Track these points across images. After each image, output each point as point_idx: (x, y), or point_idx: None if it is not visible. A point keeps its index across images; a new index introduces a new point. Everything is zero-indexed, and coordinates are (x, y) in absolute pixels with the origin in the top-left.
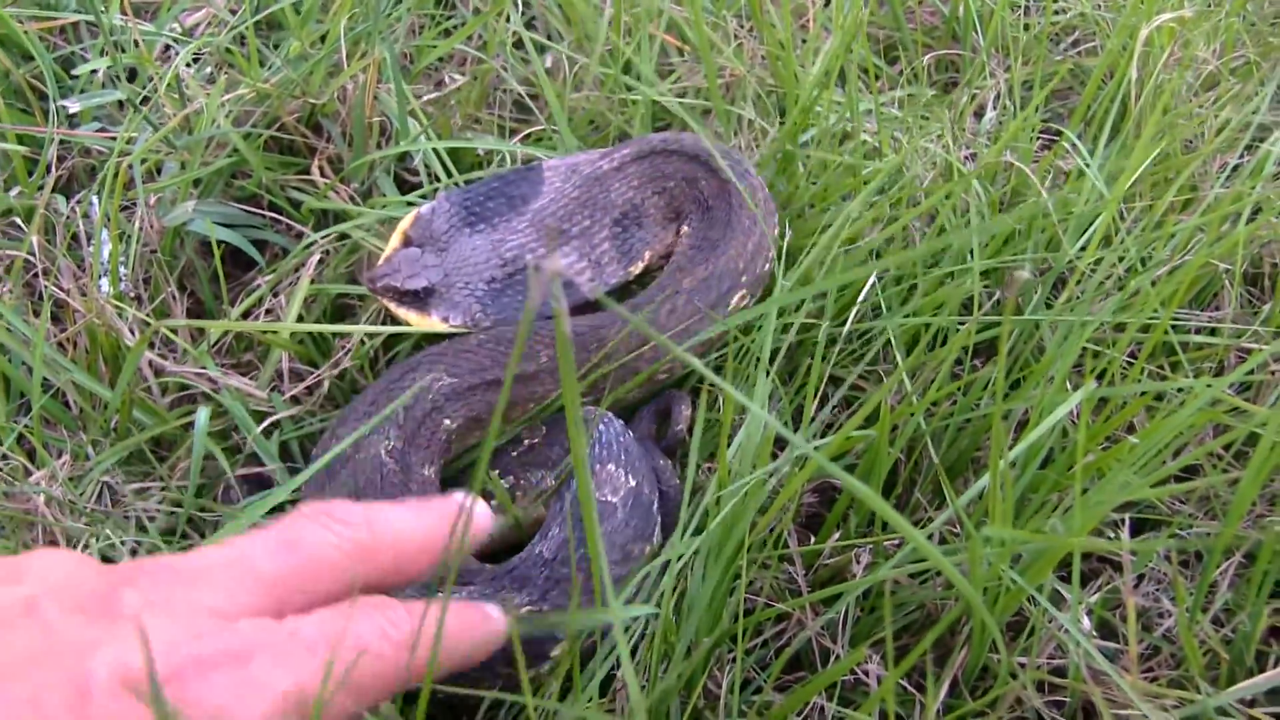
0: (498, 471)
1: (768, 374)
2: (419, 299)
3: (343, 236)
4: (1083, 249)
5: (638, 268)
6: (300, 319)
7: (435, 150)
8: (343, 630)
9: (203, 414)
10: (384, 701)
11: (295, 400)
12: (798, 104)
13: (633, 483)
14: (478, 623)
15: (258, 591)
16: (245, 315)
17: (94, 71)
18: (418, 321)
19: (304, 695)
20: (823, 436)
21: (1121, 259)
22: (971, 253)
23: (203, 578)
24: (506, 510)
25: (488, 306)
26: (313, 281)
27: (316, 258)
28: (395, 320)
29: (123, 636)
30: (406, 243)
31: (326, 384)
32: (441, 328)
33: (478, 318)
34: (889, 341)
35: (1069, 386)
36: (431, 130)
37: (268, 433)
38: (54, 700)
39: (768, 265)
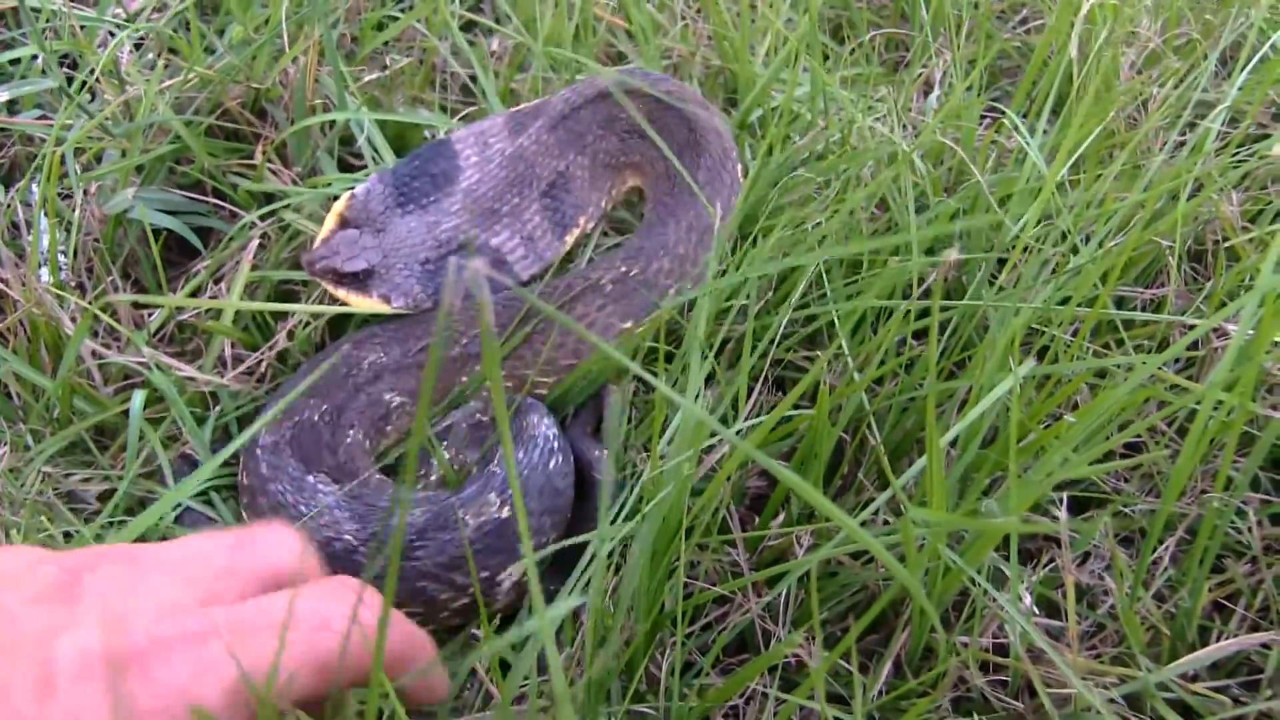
0: (445, 443)
1: (704, 355)
2: (359, 280)
3: (285, 222)
4: (1022, 228)
5: (573, 236)
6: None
7: (377, 128)
8: (309, 609)
9: (138, 398)
10: (353, 685)
11: (237, 383)
12: (752, 85)
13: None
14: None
15: (214, 582)
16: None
17: (35, 57)
18: (358, 303)
19: (264, 673)
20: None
21: (1065, 236)
22: (912, 238)
23: (161, 566)
24: (447, 477)
25: (426, 287)
26: (254, 268)
27: (256, 242)
28: (336, 302)
29: (85, 622)
30: (343, 224)
31: (265, 365)
32: (383, 309)
33: (419, 298)
34: (833, 323)
35: (1012, 365)
36: (368, 108)
37: (205, 417)
38: (20, 689)
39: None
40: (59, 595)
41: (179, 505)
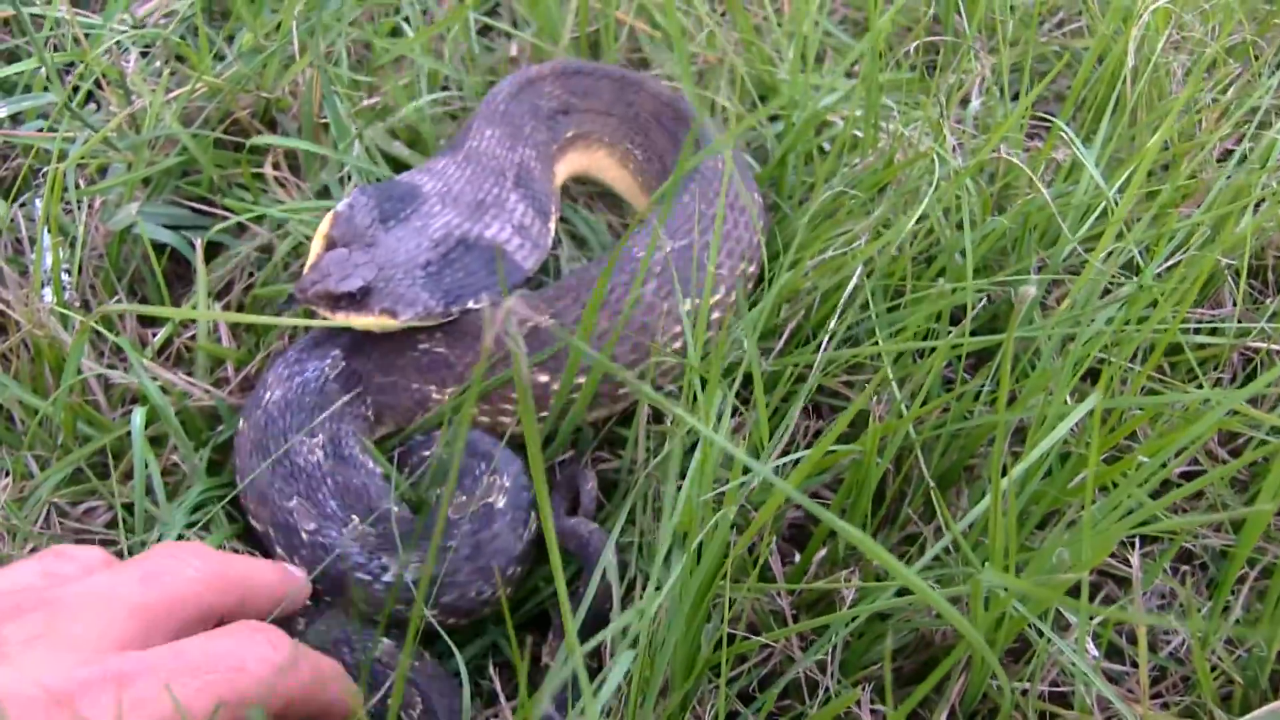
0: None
1: (725, 393)
2: (356, 300)
3: (284, 233)
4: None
5: (554, 223)
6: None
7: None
8: (224, 650)
9: (138, 416)
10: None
11: (236, 398)
12: (790, 98)
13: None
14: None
15: (129, 620)
16: (184, 324)
17: (38, 69)
18: (361, 323)
19: (185, 712)
20: (808, 448)
21: (1113, 255)
22: (963, 253)
23: (78, 609)
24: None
25: (434, 293)
26: (248, 289)
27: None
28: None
29: (14, 665)
30: (330, 246)
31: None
32: (391, 324)
33: (430, 306)
34: (875, 346)
35: (1067, 397)
36: (368, 134)
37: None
38: None
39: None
40: None
41: None
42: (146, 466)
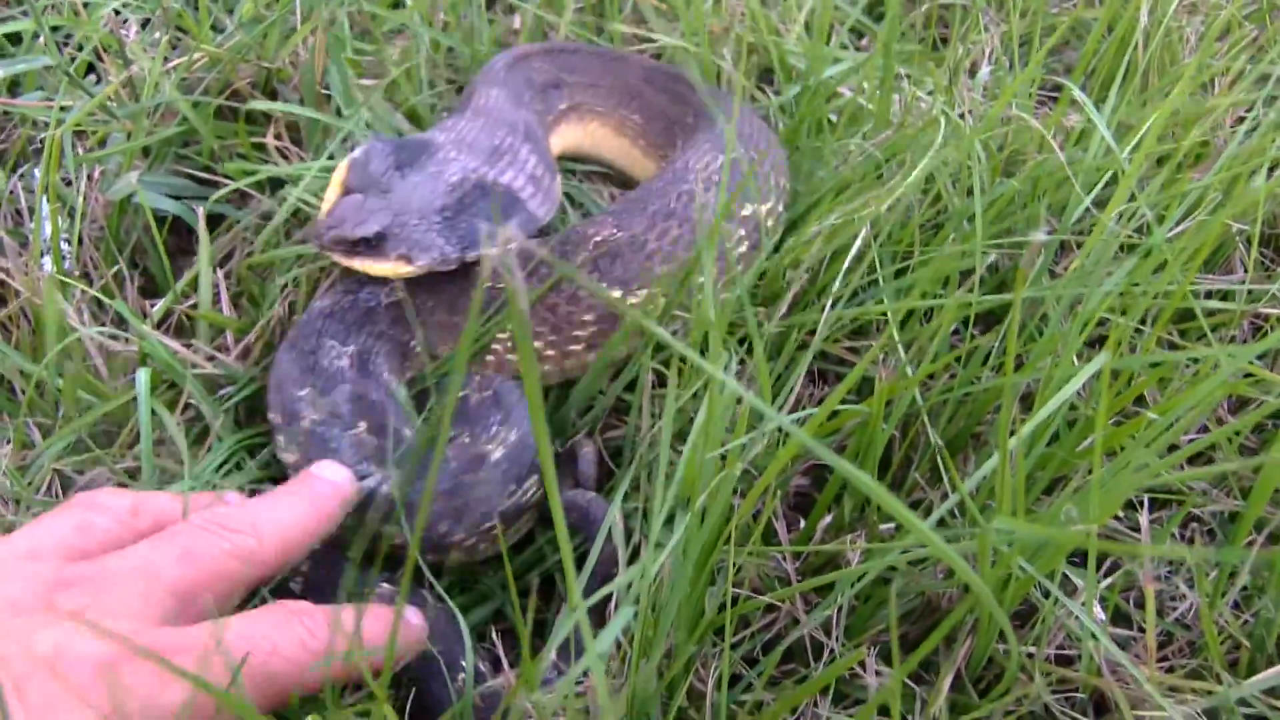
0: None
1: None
2: (373, 246)
3: (281, 198)
4: (1089, 210)
5: (559, 180)
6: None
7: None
8: (259, 633)
9: (143, 375)
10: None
11: (238, 364)
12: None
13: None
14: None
15: (167, 597)
16: (184, 294)
17: (36, 36)
18: (377, 269)
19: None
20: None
21: (1132, 217)
22: (971, 218)
23: (118, 584)
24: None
25: (449, 238)
26: (249, 255)
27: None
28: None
29: (65, 629)
30: (346, 192)
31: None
32: (407, 270)
33: (445, 251)
34: (884, 313)
35: (1075, 359)
36: (373, 106)
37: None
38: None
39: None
40: (37, 607)
41: None
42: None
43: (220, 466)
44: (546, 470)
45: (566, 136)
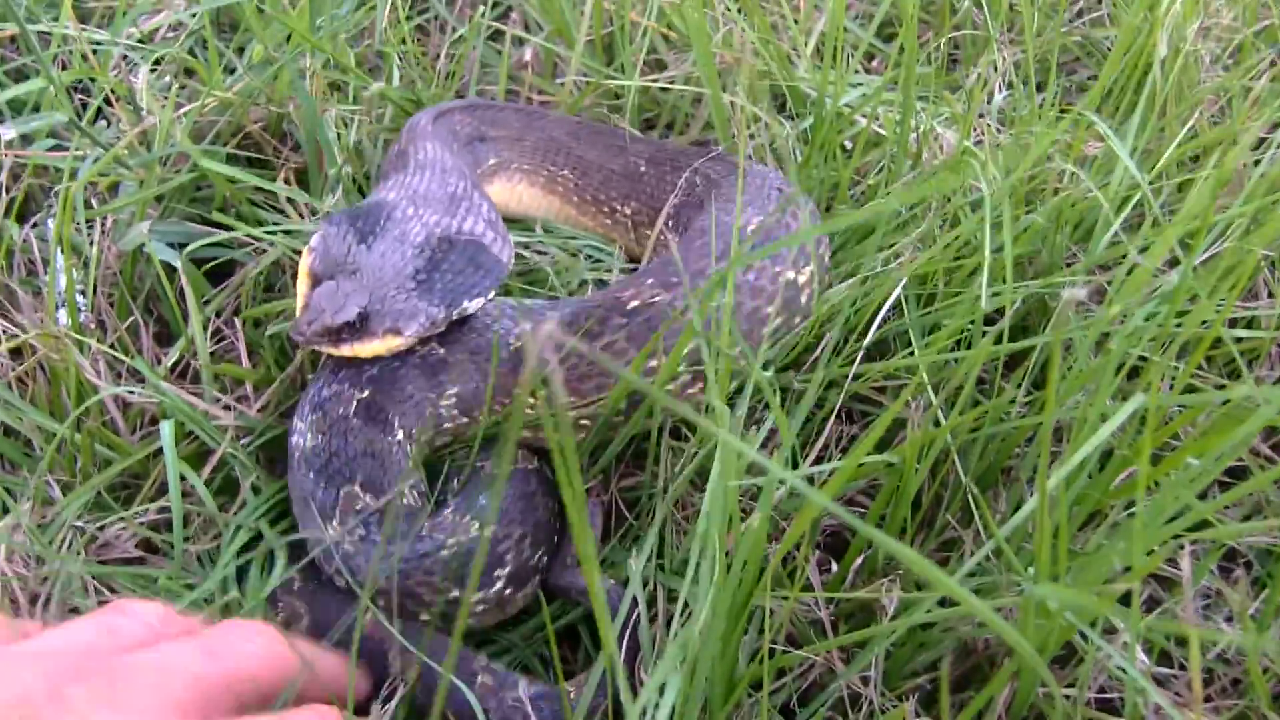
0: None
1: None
2: (358, 329)
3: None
4: (1114, 241)
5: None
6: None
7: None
8: None
9: (167, 428)
10: None
11: (258, 416)
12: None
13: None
14: None
15: (187, 692)
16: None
17: (46, 88)
18: (370, 349)
19: None
20: (842, 454)
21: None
22: (997, 250)
23: (135, 678)
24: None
25: (431, 299)
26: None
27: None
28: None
29: None
30: (315, 281)
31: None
32: (400, 343)
33: (433, 315)
34: (909, 351)
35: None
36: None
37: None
38: None
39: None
40: (47, 702)
41: None
42: (181, 478)
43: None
44: (586, 558)
45: (495, 197)
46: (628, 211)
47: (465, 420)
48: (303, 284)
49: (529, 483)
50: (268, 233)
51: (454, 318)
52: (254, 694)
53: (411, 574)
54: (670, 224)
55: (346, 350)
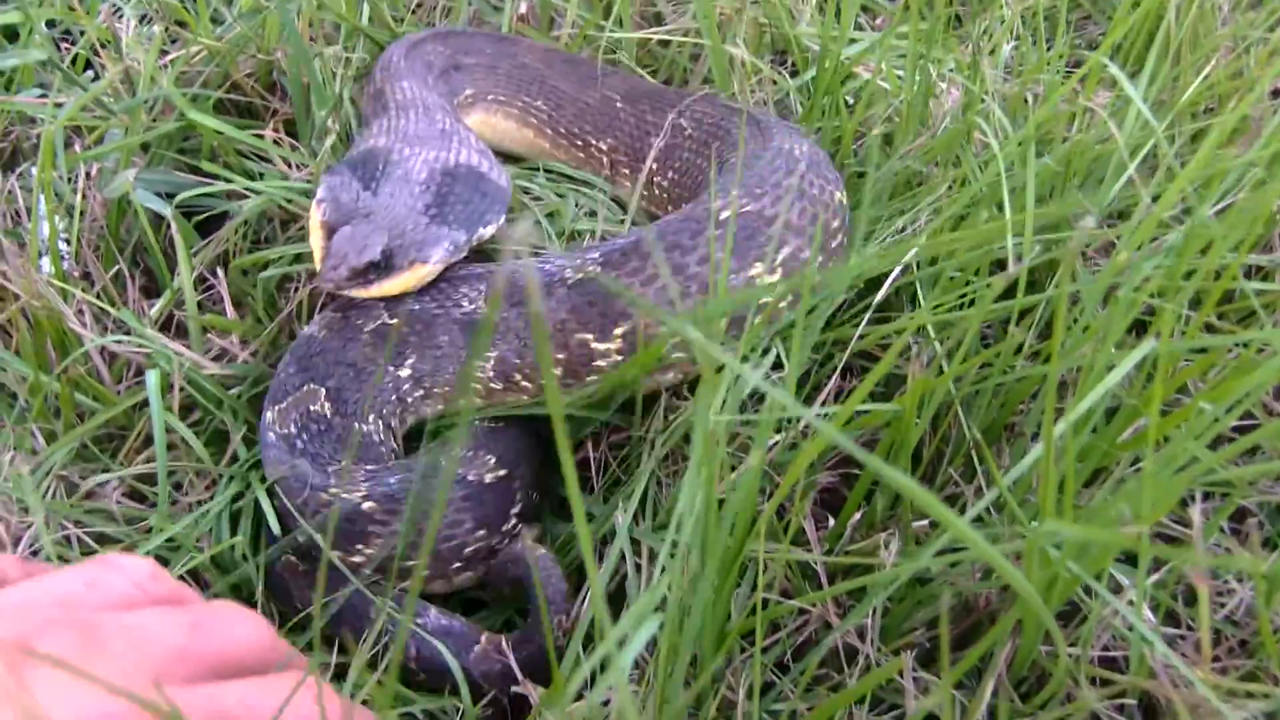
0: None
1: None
2: (384, 267)
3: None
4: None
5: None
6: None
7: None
8: (264, 703)
9: (152, 377)
10: None
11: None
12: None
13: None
14: None
15: (165, 662)
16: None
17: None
18: (401, 284)
19: None
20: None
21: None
22: (999, 206)
23: (117, 637)
24: None
25: (451, 227)
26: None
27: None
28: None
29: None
30: (330, 232)
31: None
32: (429, 272)
33: (455, 238)
34: (914, 298)
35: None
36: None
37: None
38: None
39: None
40: (13, 654)
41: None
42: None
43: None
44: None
45: (473, 128)
46: (603, 148)
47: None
48: (317, 236)
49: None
50: (253, 183)
51: (474, 244)
52: (235, 674)
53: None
54: (659, 165)
55: (375, 290)
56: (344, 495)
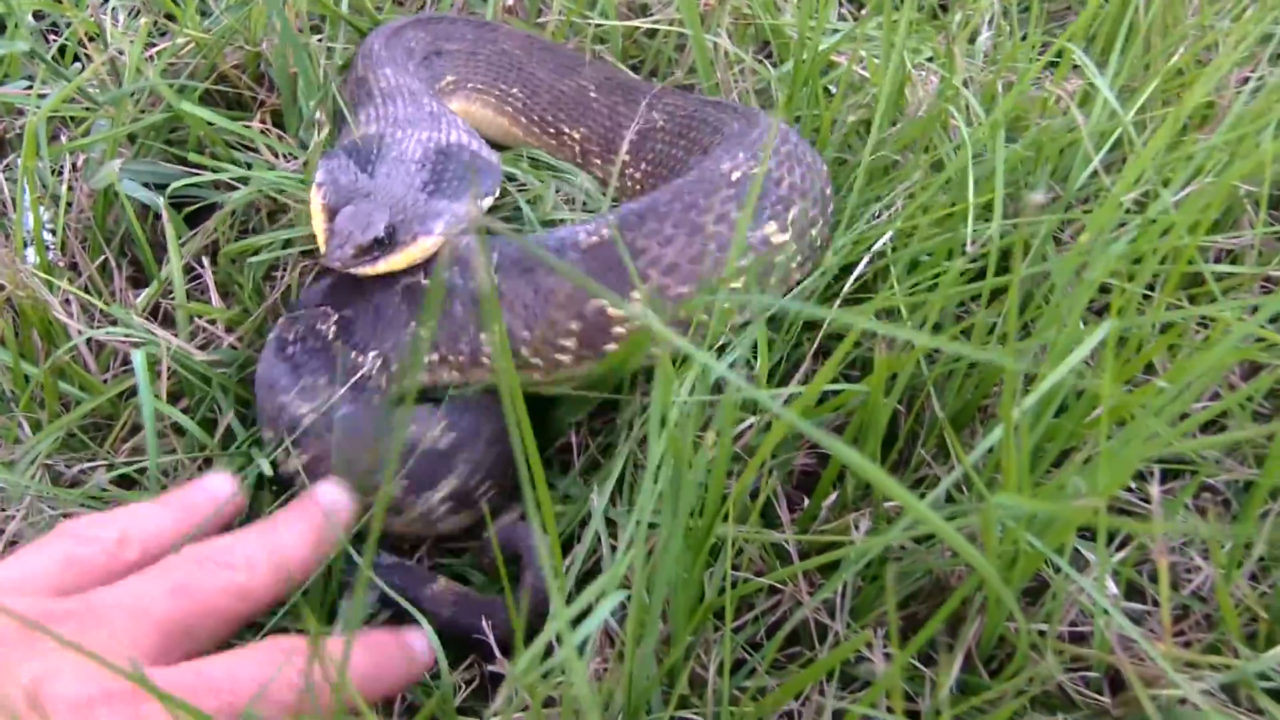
0: None
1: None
2: (389, 242)
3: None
4: (1095, 175)
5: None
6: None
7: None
8: (247, 674)
9: (139, 356)
10: None
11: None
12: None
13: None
14: (397, 659)
15: (154, 634)
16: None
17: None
18: (409, 257)
19: None
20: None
21: (1137, 181)
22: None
23: (105, 620)
24: None
25: (450, 199)
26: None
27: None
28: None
29: (45, 664)
30: (331, 214)
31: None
32: (435, 242)
33: (455, 210)
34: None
35: (1080, 324)
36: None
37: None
38: None
39: None
40: (18, 640)
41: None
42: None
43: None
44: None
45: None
46: (576, 136)
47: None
48: (319, 219)
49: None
50: (244, 171)
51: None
52: (224, 627)
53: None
54: (631, 156)
55: (382, 265)
56: (293, 405)
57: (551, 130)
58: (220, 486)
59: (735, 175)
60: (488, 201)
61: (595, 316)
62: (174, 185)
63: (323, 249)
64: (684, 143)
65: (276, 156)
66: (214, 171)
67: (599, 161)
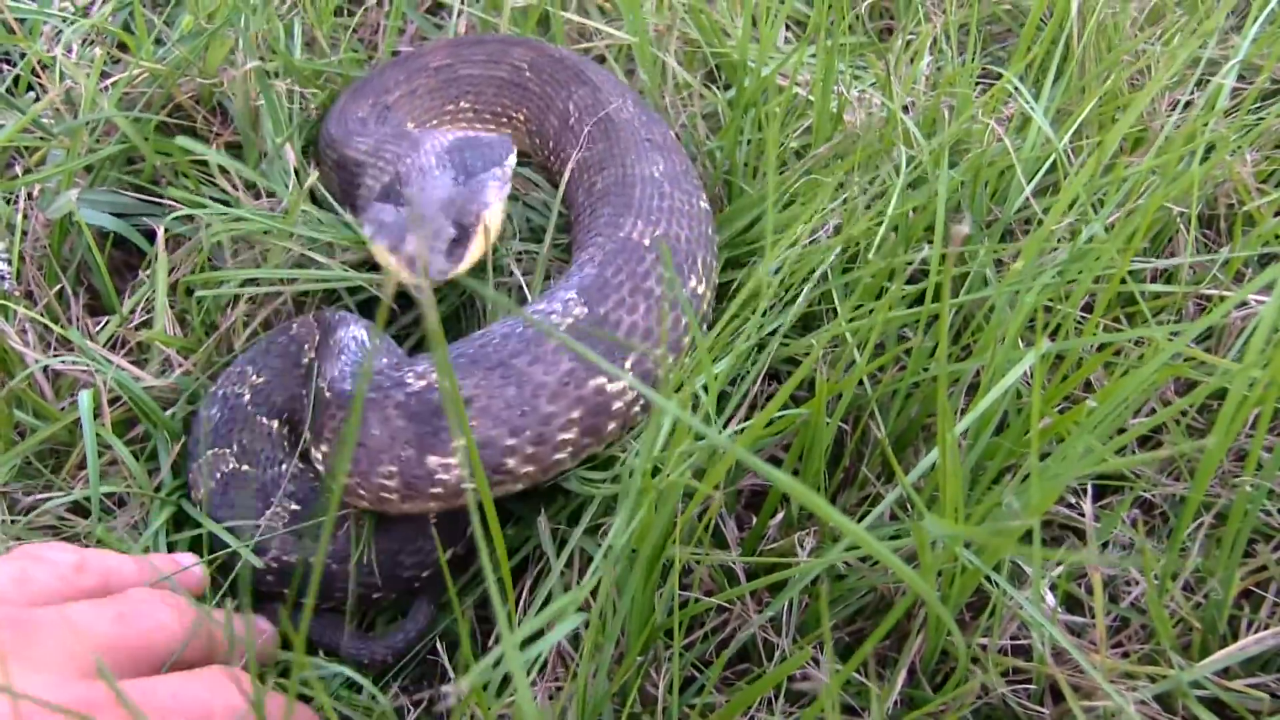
0: None
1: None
2: (463, 238)
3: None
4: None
5: None
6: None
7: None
8: (192, 695)
9: (85, 397)
10: None
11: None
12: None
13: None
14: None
15: (91, 654)
16: (133, 312)
17: None
18: (480, 244)
19: None
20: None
21: (1072, 205)
22: (916, 209)
23: (43, 634)
24: None
25: (481, 176)
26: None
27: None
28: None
29: None
30: (393, 249)
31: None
32: (496, 213)
33: (494, 174)
34: (832, 310)
35: (1021, 346)
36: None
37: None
38: None
39: None
40: None
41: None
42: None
43: (173, 493)
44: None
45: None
46: (521, 118)
47: None
48: (388, 258)
49: None
50: (212, 201)
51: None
52: (164, 661)
53: None
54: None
55: (467, 259)
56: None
57: (504, 118)
58: (186, 558)
59: (645, 241)
60: (510, 163)
61: (595, 396)
62: (167, 218)
63: (407, 279)
64: (595, 146)
65: (235, 188)
66: (190, 206)
67: (539, 139)
